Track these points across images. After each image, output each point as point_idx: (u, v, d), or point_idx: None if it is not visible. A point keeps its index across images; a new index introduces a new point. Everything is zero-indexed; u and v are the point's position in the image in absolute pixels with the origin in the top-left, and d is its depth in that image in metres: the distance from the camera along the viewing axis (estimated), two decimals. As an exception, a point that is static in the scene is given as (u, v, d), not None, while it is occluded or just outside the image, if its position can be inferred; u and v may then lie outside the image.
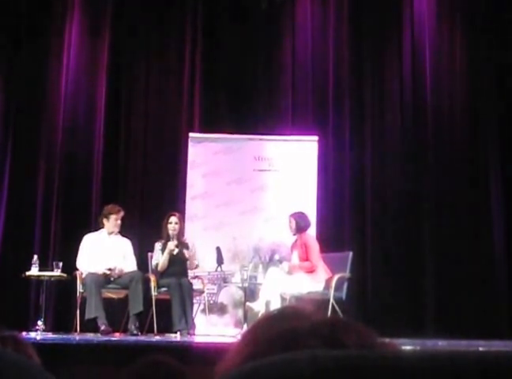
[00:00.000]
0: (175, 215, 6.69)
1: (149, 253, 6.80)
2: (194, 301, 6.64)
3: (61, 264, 6.40)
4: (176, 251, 6.59)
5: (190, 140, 7.64)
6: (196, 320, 6.56)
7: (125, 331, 6.19)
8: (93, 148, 7.75)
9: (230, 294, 7.29)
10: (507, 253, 7.43)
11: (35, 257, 6.46)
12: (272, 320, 0.77)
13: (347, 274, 6.52)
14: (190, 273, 6.69)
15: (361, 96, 7.99)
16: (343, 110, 7.93)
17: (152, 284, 6.41)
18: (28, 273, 6.43)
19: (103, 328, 6.02)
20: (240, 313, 6.99)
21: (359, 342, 0.71)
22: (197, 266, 6.71)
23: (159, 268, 6.54)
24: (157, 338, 5.94)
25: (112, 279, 6.39)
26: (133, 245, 6.75)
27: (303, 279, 6.35)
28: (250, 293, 6.65)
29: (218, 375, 0.75)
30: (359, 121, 7.93)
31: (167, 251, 6.54)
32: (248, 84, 7.98)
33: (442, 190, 7.67)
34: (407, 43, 7.99)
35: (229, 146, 7.62)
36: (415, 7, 8.01)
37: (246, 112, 7.90)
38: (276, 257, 6.92)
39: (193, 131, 7.75)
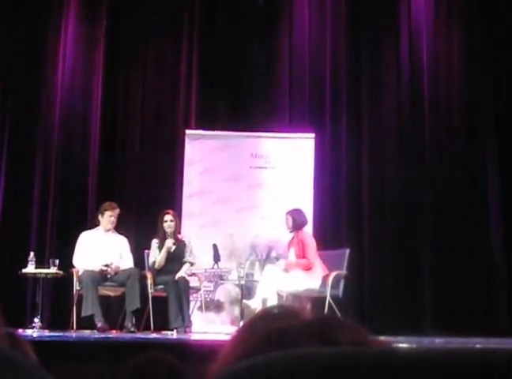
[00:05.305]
0: (169, 212, 6.69)
1: (146, 251, 6.80)
2: (191, 298, 6.64)
3: (57, 261, 6.40)
4: (173, 249, 6.59)
5: (186, 137, 7.63)
6: (192, 318, 6.56)
7: (121, 328, 6.19)
8: (89, 145, 7.75)
9: (227, 291, 7.29)
10: (506, 250, 7.43)
11: (32, 254, 6.47)
12: (266, 318, 0.78)
13: (344, 271, 6.52)
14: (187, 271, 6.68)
15: (358, 94, 7.99)
16: (340, 108, 7.93)
17: (149, 282, 6.41)
18: (24, 270, 6.43)
19: (99, 325, 6.02)
20: (237, 310, 7.00)
21: (352, 340, 0.72)
22: (193, 263, 6.71)
23: (156, 265, 6.55)
24: (154, 335, 5.95)
25: (109, 276, 6.40)
26: (130, 242, 6.75)
27: (299, 277, 6.35)
28: (247, 290, 6.65)
29: (212, 374, 0.75)
30: (356, 118, 7.93)
31: (164, 249, 6.54)
32: (245, 81, 7.97)
33: (440, 188, 7.67)
34: (404, 40, 7.99)
35: (226, 143, 7.62)
36: (412, 4, 8.01)
37: (243, 109, 7.89)
38: (273, 254, 6.92)
39: (189, 128, 7.74)
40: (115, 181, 7.83)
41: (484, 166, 7.69)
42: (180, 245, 6.65)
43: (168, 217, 6.64)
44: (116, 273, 6.40)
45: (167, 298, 6.30)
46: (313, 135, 7.63)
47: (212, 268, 6.86)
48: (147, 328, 6.23)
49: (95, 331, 6.01)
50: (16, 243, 7.29)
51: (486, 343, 5.20)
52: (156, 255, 6.58)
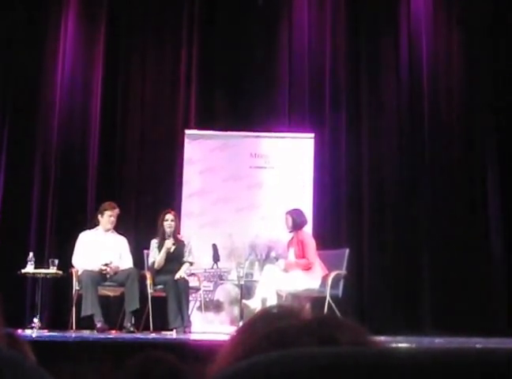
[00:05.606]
0: (170, 212, 6.69)
1: (145, 251, 6.79)
2: (190, 298, 6.64)
3: (57, 261, 6.39)
4: (173, 249, 6.59)
5: (186, 137, 7.63)
6: (192, 318, 6.56)
7: (121, 328, 6.19)
8: (89, 145, 7.75)
9: (226, 291, 7.29)
10: (505, 250, 7.43)
11: (31, 254, 6.46)
12: (266, 318, 0.77)
13: (343, 271, 6.52)
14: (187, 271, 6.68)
15: (358, 94, 7.99)
16: (339, 108, 7.93)
17: (148, 282, 6.41)
18: (23, 270, 6.43)
19: (99, 325, 6.02)
20: (236, 310, 6.99)
21: (351, 339, 0.72)
22: (192, 263, 6.71)
23: (155, 265, 6.54)
24: (153, 335, 5.94)
25: (108, 276, 6.39)
26: (129, 242, 6.75)
27: (299, 277, 6.35)
28: (247, 290, 6.65)
29: (212, 374, 0.75)
30: (355, 118, 7.93)
31: (164, 249, 6.53)
32: (244, 81, 7.97)
33: (440, 188, 7.68)
34: (404, 40, 7.99)
35: (225, 143, 7.62)
36: (411, 4, 8.01)
37: (243, 109, 7.89)
38: (273, 254, 6.92)
39: (189, 128, 7.74)
40: (115, 181, 7.83)
41: (484, 166, 7.68)
42: (179, 245, 6.65)
43: (169, 216, 6.64)
44: (115, 273, 6.40)
45: (167, 298, 6.30)
46: (312, 135, 7.62)
47: (212, 267, 6.86)
48: (146, 328, 6.23)
49: (94, 331, 6.00)
50: (15, 243, 7.28)
51: (486, 343, 5.19)
52: (155, 255, 6.58)
